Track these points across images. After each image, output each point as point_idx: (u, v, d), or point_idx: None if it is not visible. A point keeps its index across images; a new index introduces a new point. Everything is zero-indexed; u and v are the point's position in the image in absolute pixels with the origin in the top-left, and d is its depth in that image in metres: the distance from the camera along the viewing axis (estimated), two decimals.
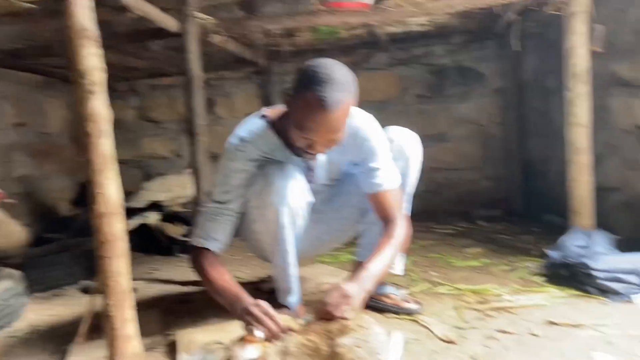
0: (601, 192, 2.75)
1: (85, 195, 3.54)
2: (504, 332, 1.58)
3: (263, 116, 1.70)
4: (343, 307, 1.37)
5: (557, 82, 3.15)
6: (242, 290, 1.54)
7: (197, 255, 1.67)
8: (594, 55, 2.50)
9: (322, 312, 1.39)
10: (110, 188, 1.35)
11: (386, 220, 1.70)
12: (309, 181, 1.75)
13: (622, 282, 1.84)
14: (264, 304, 1.40)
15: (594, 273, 1.85)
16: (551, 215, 3.24)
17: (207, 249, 1.66)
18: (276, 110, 1.73)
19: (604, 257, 1.92)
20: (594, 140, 2.75)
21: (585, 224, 2.29)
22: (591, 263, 1.88)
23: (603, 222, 2.65)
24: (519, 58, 3.72)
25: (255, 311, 1.38)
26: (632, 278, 1.84)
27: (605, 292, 1.84)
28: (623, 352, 1.38)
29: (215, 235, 1.66)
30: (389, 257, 1.60)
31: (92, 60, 1.31)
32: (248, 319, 1.38)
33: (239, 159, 1.64)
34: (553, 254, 2.13)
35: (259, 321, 1.36)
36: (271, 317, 1.37)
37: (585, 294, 1.87)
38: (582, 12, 2.24)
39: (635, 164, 2.35)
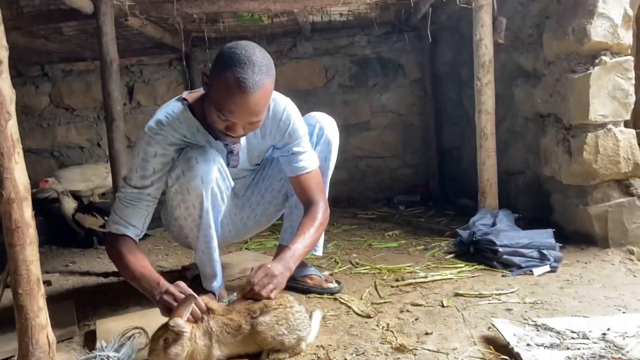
0: (507, 175, 2.97)
1: None
2: (416, 304, 1.68)
3: (182, 99, 1.68)
4: (269, 287, 1.42)
5: (469, 74, 3.35)
6: (161, 277, 1.53)
7: (114, 241, 1.61)
8: (501, 47, 2.69)
9: (247, 291, 1.41)
10: (18, 173, 1.29)
11: (309, 202, 1.74)
12: (231, 165, 1.76)
13: (522, 256, 2.01)
14: (183, 284, 1.40)
15: (498, 248, 2.01)
16: (465, 199, 3.45)
17: (125, 235, 1.62)
18: (196, 93, 1.71)
19: (506, 233, 2.09)
20: (502, 127, 2.96)
21: (491, 204, 2.46)
22: (495, 239, 2.04)
23: (509, 204, 2.87)
24: (435, 50, 3.90)
25: (175, 291, 1.38)
26: (531, 252, 2.01)
27: (507, 265, 2.00)
28: (519, 316, 1.52)
29: (132, 221, 1.62)
30: (312, 238, 1.66)
31: None
32: (167, 299, 1.37)
33: (157, 142, 1.60)
34: (463, 233, 2.28)
35: (178, 301, 1.36)
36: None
37: (490, 268, 2.02)
38: (488, 4, 2.40)
39: (536, 149, 2.56)
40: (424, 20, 3.37)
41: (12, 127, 1.29)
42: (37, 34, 2.98)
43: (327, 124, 1.90)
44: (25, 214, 1.32)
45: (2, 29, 1.29)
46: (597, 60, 2.05)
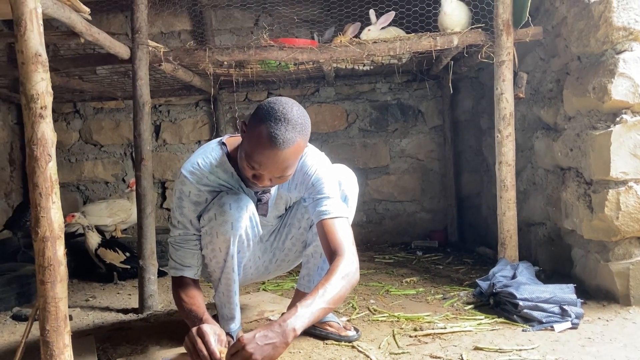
0: (527, 226, 2.96)
1: (19, 218, 3.37)
2: (435, 357, 1.67)
3: (222, 144, 1.74)
4: None
5: (489, 123, 3.40)
6: (207, 314, 1.58)
7: (175, 284, 1.73)
8: (522, 100, 2.73)
9: None
10: (54, 212, 1.35)
11: (332, 254, 1.58)
12: (259, 213, 1.79)
13: (543, 311, 1.98)
14: (207, 328, 1.42)
15: (518, 302, 1.99)
16: (483, 248, 3.43)
17: (182, 277, 1.72)
18: (236, 138, 1.76)
19: (527, 287, 2.07)
20: (521, 177, 2.98)
21: (511, 255, 2.45)
22: (515, 292, 2.02)
23: (528, 255, 2.85)
24: (455, 99, 3.97)
25: (194, 336, 1.41)
26: (553, 307, 1.99)
27: (528, 320, 1.98)
28: None
29: (186, 262, 1.73)
30: (328, 295, 1.44)
31: (43, 85, 1.33)
32: (186, 341, 1.41)
33: (191, 182, 1.68)
34: (482, 284, 2.27)
35: (193, 344, 1.39)
36: (206, 343, 1.39)
37: (510, 322, 2.00)
38: (509, 60, 2.46)
39: (556, 201, 2.56)
40: (444, 70, 3.45)
41: (52, 168, 1.36)
42: (72, 74, 3.13)
43: (345, 178, 1.89)
44: (57, 252, 1.37)
45: (48, 76, 1.38)
46: (617, 119, 2.07)
